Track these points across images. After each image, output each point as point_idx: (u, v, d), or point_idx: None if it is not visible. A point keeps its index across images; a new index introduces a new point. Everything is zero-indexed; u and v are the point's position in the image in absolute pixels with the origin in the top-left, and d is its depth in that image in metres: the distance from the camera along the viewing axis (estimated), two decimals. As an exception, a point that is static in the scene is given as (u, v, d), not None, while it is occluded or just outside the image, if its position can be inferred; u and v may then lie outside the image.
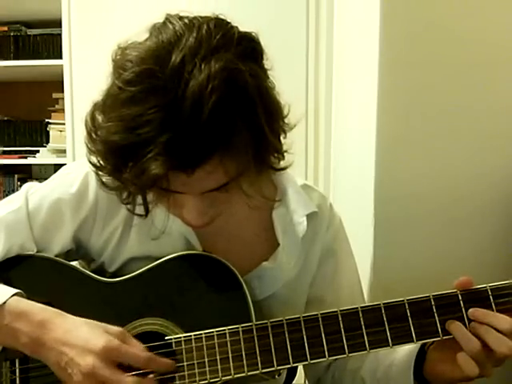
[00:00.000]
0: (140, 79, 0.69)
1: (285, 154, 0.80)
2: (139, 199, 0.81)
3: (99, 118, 0.75)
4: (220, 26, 0.73)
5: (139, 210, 0.83)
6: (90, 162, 0.78)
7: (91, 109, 0.77)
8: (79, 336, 0.77)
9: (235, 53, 0.71)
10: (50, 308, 0.81)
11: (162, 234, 0.89)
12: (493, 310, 0.79)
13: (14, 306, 0.80)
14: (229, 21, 0.76)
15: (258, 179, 0.77)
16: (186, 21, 0.73)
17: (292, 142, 0.80)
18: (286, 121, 0.79)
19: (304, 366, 0.99)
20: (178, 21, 0.73)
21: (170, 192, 0.75)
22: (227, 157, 0.70)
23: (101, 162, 0.77)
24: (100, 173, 0.78)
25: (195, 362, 0.81)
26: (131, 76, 0.70)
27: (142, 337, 0.82)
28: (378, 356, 0.92)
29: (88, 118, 0.77)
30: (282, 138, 0.79)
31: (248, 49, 0.74)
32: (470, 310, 0.78)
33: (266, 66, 0.77)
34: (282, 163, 0.81)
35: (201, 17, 0.75)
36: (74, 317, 0.80)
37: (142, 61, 0.70)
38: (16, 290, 0.82)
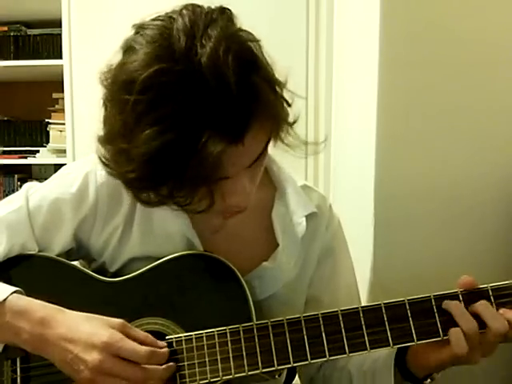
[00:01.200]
0: (156, 80, 0.68)
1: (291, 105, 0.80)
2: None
3: (120, 142, 0.72)
4: (196, 6, 0.75)
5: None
6: (127, 184, 0.76)
7: (100, 144, 0.75)
8: (82, 331, 0.77)
9: (223, 21, 0.73)
10: (50, 305, 0.81)
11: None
12: None
13: (14, 303, 0.80)
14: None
15: (287, 135, 0.78)
16: (162, 18, 0.74)
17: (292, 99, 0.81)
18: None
19: (299, 366, 0.99)
20: (154, 22, 0.74)
21: (221, 181, 0.73)
22: (262, 115, 0.71)
23: (137, 180, 0.73)
24: (137, 192, 0.76)
25: (196, 361, 0.81)
26: (144, 83, 0.68)
27: (143, 336, 0.82)
28: None
29: (104, 151, 0.75)
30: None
31: (230, 16, 0.76)
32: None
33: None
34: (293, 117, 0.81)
35: (173, 10, 0.75)
36: (75, 312, 0.81)
37: (148, 66, 0.69)
38: (15, 288, 0.82)
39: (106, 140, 0.75)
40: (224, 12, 0.75)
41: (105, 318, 0.79)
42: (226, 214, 0.82)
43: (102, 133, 0.76)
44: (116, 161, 0.75)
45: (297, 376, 1.07)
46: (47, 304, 0.81)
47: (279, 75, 0.78)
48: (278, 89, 0.76)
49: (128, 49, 0.74)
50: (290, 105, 0.78)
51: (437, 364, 0.81)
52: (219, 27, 0.71)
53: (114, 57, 0.74)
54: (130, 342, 0.76)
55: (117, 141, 0.73)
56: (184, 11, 0.73)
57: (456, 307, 0.79)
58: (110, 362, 0.74)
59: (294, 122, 0.79)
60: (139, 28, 0.75)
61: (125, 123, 0.71)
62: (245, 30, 0.76)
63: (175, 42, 0.69)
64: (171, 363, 0.80)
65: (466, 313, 0.78)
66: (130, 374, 0.75)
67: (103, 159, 0.77)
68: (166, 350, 0.80)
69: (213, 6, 0.76)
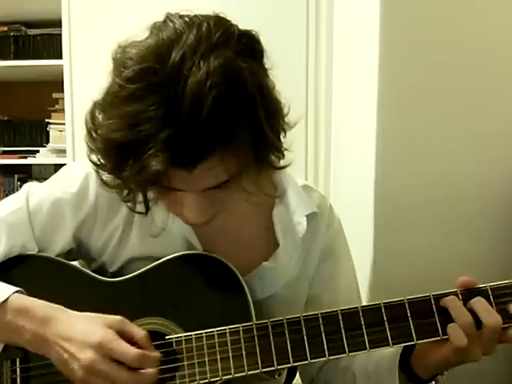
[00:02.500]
0: (140, 76, 0.69)
1: (285, 152, 0.80)
2: (139, 197, 0.81)
3: (99, 116, 0.76)
4: (220, 24, 0.74)
5: (139, 208, 0.84)
6: (91, 161, 0.78)
7: (91, 107, 0.77)
8: (79, 330, 0.77)
9: (235, 50, 0.71)
10: (52, 304, 0.81)
11: (163, 231, 0.89)
12: None
13: (15, 302, 0.81)
14: (229, 19, 0.76)
15: (258, 178, 0.77)
16: (187, 19, 0.74)
17: (292, 141, 0.80)
18: (285, 120, 0.79)
19: (300, 366, 0.99)
20: (178, 19, 0.74)
21: (170, 190, 0.75)
22: (227, 154, 0.70)
23: (101, 160, 0.77)
24: (100, 171, 0.79)
25: (195, 361, 0.81)
26: (132, 73, 0.70)
27: (143, 336, 0.82)
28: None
29: (88, 117, 0.77)
30: (281, 136, 0.79)
31: (248, 47, 0.74)
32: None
33: (266, 65, 0.77)
34: (282, 162, 0.81)
35: (201, 15, 0.75)
36: (75, 312, 0.81)
37: (143, 58, 0.70)
38: (17, 288, 0.82)
39: (93, 106, 0.77)
40: (241, 41, 0.73)
41: (103, 316, 0.79)
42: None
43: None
44: (89, 132, 0.77)
45: (297, 376, 1.07)
46: (49, 303, 0.81)
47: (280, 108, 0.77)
48: (266, 130, 0.73)
49: (149, 33, 0.74)
50: (279, 150, 0.78)
51: (439, 362, 0.81)
52: (224, 57, 0.69)
53: (139, 34, 0.76)
54: (121, 344, 0.76)
55: (97, 111, 0.76)
56: (205, 23, 0.73)
57: (451, 302, 0.79)
58: (101, 362, 0.74)
59: (280, 155, 0.79)
60: (167, 18, 0.75)
61: (105, 100, 0.74)
62: (254, 66, 0.73)
63: (175, 50, 0.69)
64: (164, 367, 0.80)
65: (461, 307, 0.78)
66: (117, 377, 0.75)
67: (88, 126, 0.78)
68: (156, 354, 0.79)
69: (240, 26, 0.76)
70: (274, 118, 0.75)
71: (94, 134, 0.76)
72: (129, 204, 0.84)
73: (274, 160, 0.79)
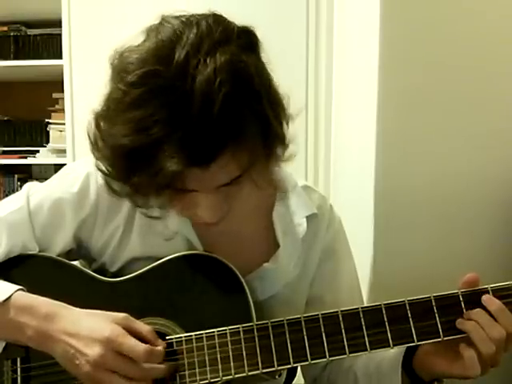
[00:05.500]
0: (145, 80, 0.69)
1: (289, 144, 0.80)
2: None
3: (102, 125, 0.75)
4: (219, 21, 0.74)
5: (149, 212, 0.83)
6: (100, 170, 0.78)
7: (93, 116, 0.76)
8: (85, 326, 0.77)
9: (237, 46, 0.72)
10: (55, 301, 0.81)
11: (176, 234, 0.89)
12: None
13: (18, 300, 0.81)
14: (225, 16, 0.77)
15: (267, 171, 0.78)
16: (184, 19, 0.74)
17: (293, 138, 0.81)
18: (287, 111, 0.79)
19: (302, 366, 0.99)
20: (175, 20, 0.74)
21: (184, 191, 0.75)
22: (239, 149, 0.70)
23: (109, 168, 0.76)
24: (109, 179, 0.78)
25: (196, 361, 0.81)
26: (135, 78, 0.70)
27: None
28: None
29: (91, 126, 0.76)
30: (285, 128, 0.79)
31: (248, 41, 0.75)
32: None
33: (263, 59, 0.78)
34: (287, 155, 0.81)
35: (197, 14, 0.75)
36: (79, 309, 0.81)
37: (144, 62, 0.70)
38: (19, 286, 0.83)
39: (96, 115, 0.76)
40: (241, 36, 0.74)
41: (108, 313, 0.80)
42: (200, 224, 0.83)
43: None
44: (95, 142, 0.76)
45: (297, 376, 1.07)
46: (52, 300, 0.82)
47: (283, 101, 0.77)
48: (272, 122, 0.73)
49: (146, 36, 0.74)
50: (285, 142, 0.78)
51: (444, 375, 0.81)
52: (229, 53, 0.69)
53: (136, 38, 0.75)
54: (130, 339, 0.76)
55: (101, 120, 0.75)
56: (203, 21, 0.73)
57: (476, 330, 0.77)
58: (111, 357, 0.75)
59: (286, 147, 0.79)
60: (163, 19, 0.75)
61: (108, 108, 0.74)
62: (255, 60, 0.74)
63: (178, 50, 0.69)
64: (172, 363, 0.80)
65: (487, 338, 0.76)
66: (128, 371, 0.75)
67: (92, 136, 0.77)
68: (161, 349, 0.79)
69: (238, 23, 0.76)
70: (277, 110, 0.76)
71: (99, 144, 0.76)
72: (143, 210, 0.83)
73: (279, 153, 0.79)
